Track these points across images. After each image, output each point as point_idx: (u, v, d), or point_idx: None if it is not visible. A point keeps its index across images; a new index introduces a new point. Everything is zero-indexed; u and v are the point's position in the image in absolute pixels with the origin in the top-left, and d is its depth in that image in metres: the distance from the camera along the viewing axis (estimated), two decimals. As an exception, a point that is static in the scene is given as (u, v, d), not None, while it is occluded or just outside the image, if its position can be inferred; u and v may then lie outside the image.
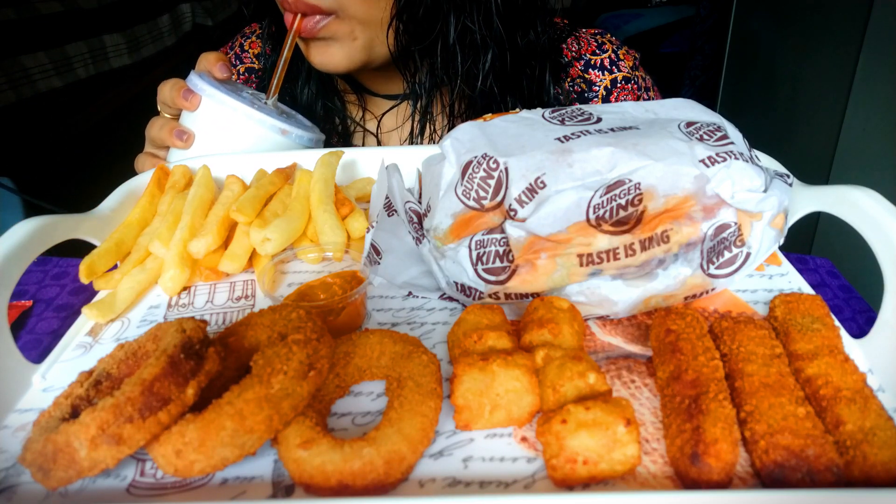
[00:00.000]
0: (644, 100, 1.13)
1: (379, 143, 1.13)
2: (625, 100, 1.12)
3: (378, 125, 1.12)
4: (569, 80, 1.11)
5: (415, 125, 1.07)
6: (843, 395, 0.50)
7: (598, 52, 1.12)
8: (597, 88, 1.11)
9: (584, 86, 1.11)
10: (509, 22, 0.97)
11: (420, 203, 0.71)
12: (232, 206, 0.76)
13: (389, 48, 0.95)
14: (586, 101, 1.11)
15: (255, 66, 1.19)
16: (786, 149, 2.45)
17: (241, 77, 1.20)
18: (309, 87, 1.10)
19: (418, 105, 1.04)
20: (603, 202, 0.60)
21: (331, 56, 0.95)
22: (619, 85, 1.11)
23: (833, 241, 2.07)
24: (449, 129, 1.04)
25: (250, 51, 1.20)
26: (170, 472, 0.46)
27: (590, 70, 1.11)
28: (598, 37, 1.14)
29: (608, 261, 0.62)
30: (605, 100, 1.11)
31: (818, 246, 2.23)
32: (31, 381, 0.61)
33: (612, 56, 1.12)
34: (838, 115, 2.14)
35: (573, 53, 1.11)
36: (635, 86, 1.13)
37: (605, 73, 1.11)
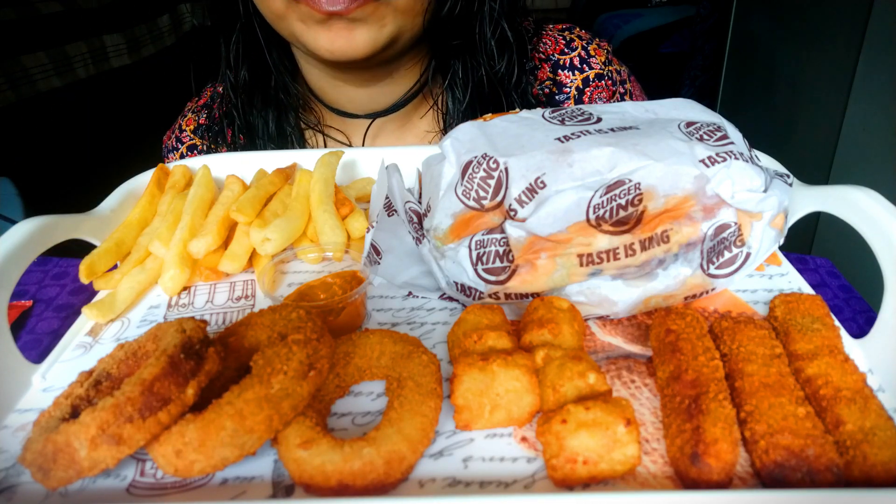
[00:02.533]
0: (620, 93, 1.10)
1: None
2: (599, 98, 1.09)
3: (363, 143, 1.08)
4: (537, 83, 1.07)
5: (441, 127, 1.04)
6: (843, 395, 0.50)
7: (566, 50, 1.08)
8: (567, 90, 1.08)
9: (553, 88, 1.08)
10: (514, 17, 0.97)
11: (420, 203, 0.71)
12: (232, 206, 0.76)
13: (424, 25, 0.90)
14: (557, 104, 1.08)
15: (196, 142, 1.15)
16: (786, 149, 2.45)
17: (188, 156, 1.16)
18: (271, 113, 1.05)
19: (443, 105, 1.02)
20: (603, 202, 0.60)
21: (353, 40, 0.85)
22: (591, 84, 1.08)
23: (833, 241, 2.07)
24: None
25: (187, 129, 1.17)
26: (170, 472, 0.46)
27: (559, 71, 1.07)
28: (567, 33, 1.10)
29: (608, 261, 0.62)
30: (578, 101, 1.08)
31: (818, 246, 2.23)
32: (31, 381, 0.61)
33: (582, 53, 1.08)
34: (838, 115, 2.14)
35: (540, 55, 1.08)
36: (609, 81, 1.09)
37: (576, 72, 1.07)
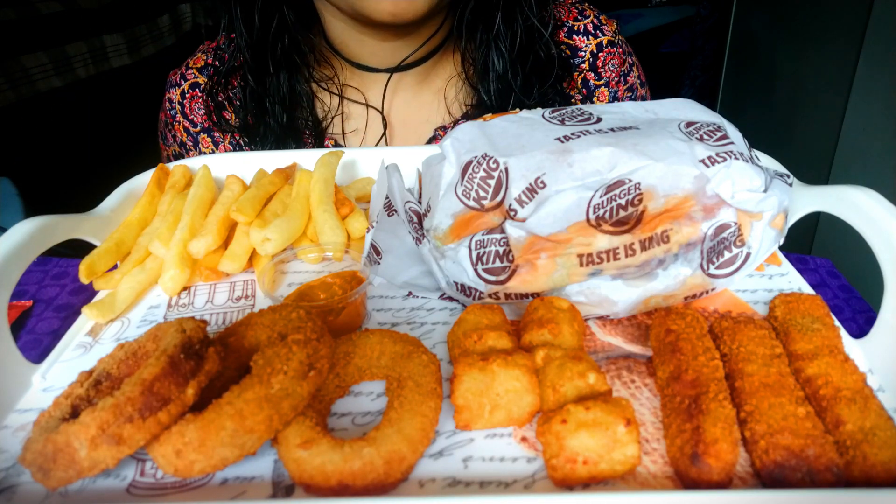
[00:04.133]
0: (629, 63, 1.13)
1: (384, 120, 1.10)
2: (611, 64, 1.11)
3: (383, 99, 1.08)
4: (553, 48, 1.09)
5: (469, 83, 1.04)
6: (843, 395, 0.50)
7: (579, 17, 1.11)
8: (583, 54, 1.10)
9: (568, 52, 1.10)
10: None
11: (420, 203, 0.71)
12: (232, 206, 0.76)
13: None
14: (574, 67, 1.10)
15: (199, 80, 1.14)
16: (786, 149, 2.45)
17: (188, 94, 1.15)
18: (280, 77, 1.04)
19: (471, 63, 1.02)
20: (603, 202, 0.60)
21: (416, 1, 0.86)
22: (604, 49, 1.10)
23: (833, 241, 2.07)
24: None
25: (194, 67, 1.16)
26: (170, 472, 0.46)
27: (574, 36, 1.10)
28: (578, 4, 1.13)
29: (608, 261, 0.62)
30: (593, 66, 1.10)
31: (818, 246, 2.24)
32: (31, 381, 0.61)
33: (595, 21, 1.11)
34: (838, 115, 2.14)
35: (555, 21, 1.09)
36: (620, 50, 1.12)
37: (590, 37, 1.10)
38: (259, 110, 1.06)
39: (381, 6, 0.85)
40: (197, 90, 1.14)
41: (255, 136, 1.08)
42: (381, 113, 1.09)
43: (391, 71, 1.06)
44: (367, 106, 1.10)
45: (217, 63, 1.11)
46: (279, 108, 1.05)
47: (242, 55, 1.04)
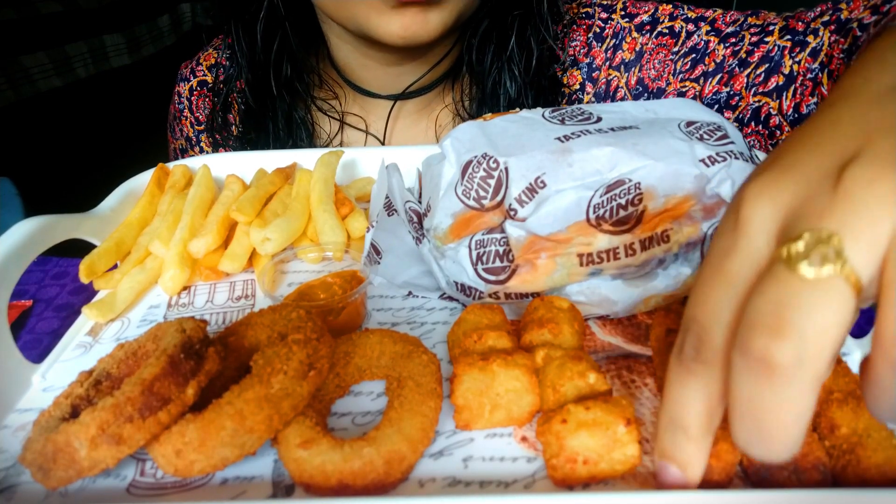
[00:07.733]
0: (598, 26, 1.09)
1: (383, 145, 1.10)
2: (574, 38, 1.08)
3: (385, 126, 1.07)
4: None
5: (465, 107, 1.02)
6: (835, 396, 0.50)
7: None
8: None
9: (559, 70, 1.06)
10: None
11: (420, 203, 0.71)
12: (232, 206, 0.76)
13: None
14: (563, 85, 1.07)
15: (208, 79, 1.14)
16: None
17: (196, 91, 1.15)
18: (281, 102, 1.04)
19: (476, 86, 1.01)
20: (603, 202, 0.60)
21: (427, 23, 0.83)
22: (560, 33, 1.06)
23: (833, 241, 2.06)
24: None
25: (204, 63, 1.15)
26: (170, 472, 0.46)
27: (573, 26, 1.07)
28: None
29: (608, 260, 0.62)
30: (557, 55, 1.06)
31: (818, 246, 2.23)
32: (31, 381, 0.61)
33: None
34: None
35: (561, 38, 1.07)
36: (580, 21, 1.07)
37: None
38: (259, 128, 1.06)
39: (391, 29, 0.82)
40: (205, 88, 1.13)
41: (256, 147, 1.09)
42: (382, 143, 1.08)
43: (394, 98, 1.04)
44: (367, 133, 1.09)
45: (229, 62, 1.10)
46: (282, 130, 1.05)
47: (244, 77, 1.02)
